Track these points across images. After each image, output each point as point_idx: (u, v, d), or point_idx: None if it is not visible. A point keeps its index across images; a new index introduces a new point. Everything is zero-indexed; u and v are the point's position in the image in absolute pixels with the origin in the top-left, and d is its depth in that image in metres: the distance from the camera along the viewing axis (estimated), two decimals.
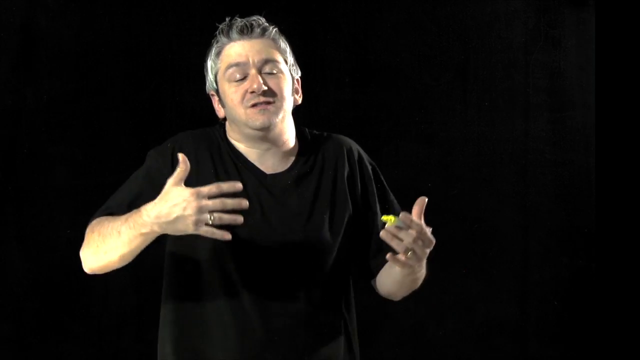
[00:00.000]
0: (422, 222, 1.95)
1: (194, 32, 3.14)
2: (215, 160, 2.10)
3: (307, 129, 2.21)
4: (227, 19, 2.12)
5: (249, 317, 2.04)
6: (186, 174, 1.86)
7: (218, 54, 2.11)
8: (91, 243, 2.04)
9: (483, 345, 3.37)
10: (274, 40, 2.12)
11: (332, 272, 2.10)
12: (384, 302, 3.31)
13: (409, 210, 1.98)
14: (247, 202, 1.85)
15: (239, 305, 2.04)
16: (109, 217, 2.02)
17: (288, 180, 2.10)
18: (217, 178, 2.05)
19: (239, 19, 2.10)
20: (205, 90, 2.19)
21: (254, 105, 2.06)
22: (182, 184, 1.85)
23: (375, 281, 2.19)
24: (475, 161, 3.35)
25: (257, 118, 2.06)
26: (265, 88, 2.06)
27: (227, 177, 2.06)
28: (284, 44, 2.14)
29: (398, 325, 3.31)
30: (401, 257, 1.91)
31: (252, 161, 2.11)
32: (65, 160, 3.07)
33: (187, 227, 1.85)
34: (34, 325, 3.06)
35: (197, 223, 1.84)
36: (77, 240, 3.05)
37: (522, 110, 3.37)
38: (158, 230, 1.89)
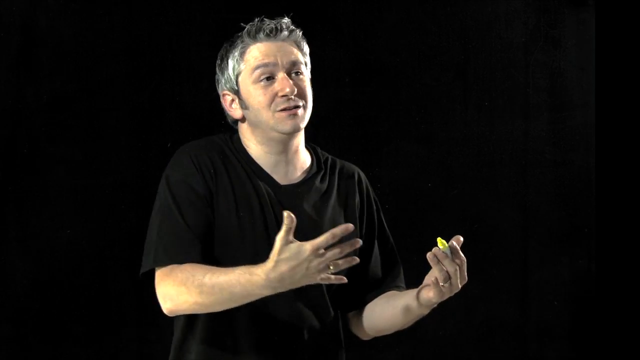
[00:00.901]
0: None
1: (194, 32, 3.14)
2: (230, 170, 2.06)
3: (319, 148, 2.20)
4: (256, 20, 2.08)
5: (247, 333, 2.02)
6: (293, 230, 1.79)
7: (242, 54, 2.07)
8: (188, 297, 1.94)
9: (483, 345, 3.37)
10: (298, 42, 2.10)
11: (336, 293, 2.09)
12: None
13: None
14: (361, 242, 1.80)
15: (241, 320, 2.01)
16: (203, 271, 1.93)
17: (302, 192, 2.08)
18: (233, 189, 2.02)
19: (266, 20, 2.08)
20: (215, 89, 2.16)
21: (283, 110, 2.03)
22: (293, 244, 1.79)
23: (359, 313, 2.17)
24: (475, 161, 3.35)
25: (286, 123, 2.03)
26: (296, 91, 2.03)
27: (242, 188, 2.03)
28: (306, 47, 2.12)
29: None
30: (440, 283, 1.91)
31: (266, 169, 2.08)
32: (65, 160, 3.07)
33: (310, 281, 1.82)
34: (34, 325, 3.05)
35: (316, 278, 1.81)
36: (77, 240, 3.07)
37: (522, 110, 3.37)
38: (282, 290, 1.85)
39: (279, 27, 2.07)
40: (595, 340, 3.15)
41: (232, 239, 2.02)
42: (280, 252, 1.80)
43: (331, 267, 1.79)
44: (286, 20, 2.09)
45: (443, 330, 3.33)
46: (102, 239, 3.07)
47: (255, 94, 2.05)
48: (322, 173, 2.13)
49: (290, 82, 2.03)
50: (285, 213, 1.79)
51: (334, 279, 1.82)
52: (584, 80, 3.36)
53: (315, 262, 1.78)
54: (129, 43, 3.12)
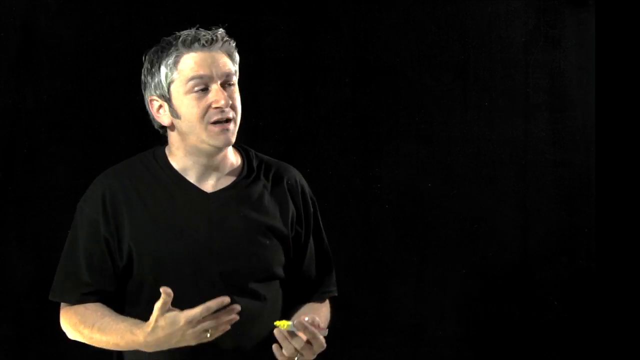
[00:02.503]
0: (318, 327, 1.95)
1: None
2: (144, 196, 2.09)
3: (253, 151, 2.20)
4: (193, 29, 2.07)
5: (193, 345, 2.03)
6: (168, 304, 1.89)
7: (176, 63, 2.06)
8: (82, 339, 2.11)
9: (483, 346, 3.37)
10: (230, 52, 2.09)
11: (277, 295, 2.12)
12: (384, 302, 3.32)
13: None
14: (239, 307, 1.87)
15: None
16: (92, 320, 2.06)
17: (231, 196, 2.09)
18: (150, 214, 2.06)
19: (202, 30, 2.07)
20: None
21: (215, 123, 2.04)
22: (170, 313, 1.89)
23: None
24: (475, 161, 3.35)
25: (218, 137, 2.04)
26: (231, 103, 2.04)
27: (162, 208, 2.06)
28: (237, 57, 2.11)
29: (398, 325, 3.31)
30: (285, 356, 1.95)
31: (192, 179, 2.10)
32: (65, 160, 3.07)
33: (188, 344, 1.91)
34: (34, 325, 3.05)
35: (198, 340, 1.90)
36: None
37: (522, 110, 3.37)
38: (160, 349, 1.95)
39: (214, 38, 2.05)
40: (595, 340, 3.15)
41: (162, 260, 2.05)
42: (157, 319, 1.90)
43: (209, 335, 1.88)
44: (221, 31, 2.08)
45: (443, 330, 3.33)
46: None
47: (189, 104, 2.05)
48: (252, 176, 2.14)
49: (225, 94, 2.04)
50: (162, 289, 1.88)
51: (212, 337, 1.90)
52: (584, 80, 3.36)
53: (190, 331, 1.88)
54: (129, 43, 3.12)
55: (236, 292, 2.04)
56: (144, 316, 1.98)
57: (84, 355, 3.09)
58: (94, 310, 2.07)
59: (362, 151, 3.26)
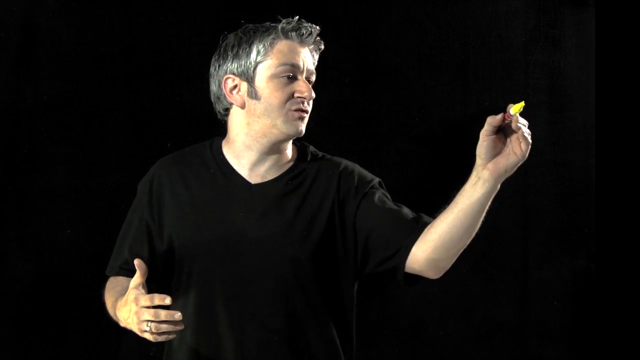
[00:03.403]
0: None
1: (194, 32, 3.14)
2: (190, 183, 2.13)
3: (311, 147, 2.23)
4: (295, 19, 2.13)
5: (222, 333, 2.07)
6: (143, 277, 1.92)
7: (272, 45, 2.10)
8: (109, 310, 2.13)
9: (483, 345, 3.37)
10: (317, 53, 2.17)
11: (312, 289, 2.10)
12: (384, 302, 3.32)
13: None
14: (180, 315, 1.86)
15: (212, 317, 2.07)
16: (112, 291, 2.11)
17: (273, 190, 2.11)
18: (192, 201, 2.10)
19: (303, 22, 2.13)
20: (221, 72, 2.16)
21: (296, 110, 2.09)
22: (137, 289, 1.90)
23: (418, 255, 2.15)
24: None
25: (293, 123, 2.09)
26: (314, 96, 2.11)
27: (202, 197, 2.10)
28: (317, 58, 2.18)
29: (398, 325, 3.31)
30: (520, 148, 2.07)
31: (241, 169, 2.13)
32: (65, 160, 3.07)
33: (136, 331, 1.91)
34: (34, 325, 3.05)
35: (139, 329, 1.89)
36: (77, 240, 3.07)
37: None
38: (125, 326, 1.97)
39: (312, 33, 2.12)
40: (595, 340, 3.15)
41: (197, 247, 2.08)
42: (128, 292, 1.93)
43: (148, 325, 1.87)
44: (318, 28, 2.14)
45: (443, 330, 3.33)
46: (102, 239, 3.07)
47: (274, 87, 2.09)
48: (301, 171, 2.16)
49: (310, 87, 2.10)
50: (136, 262, 1.93)
51: (159, 339, 1.90)
52: (584, 80, 3.36)
53: (134, 310, 1.88)
54: (129, 43, 3.12)
55: (270, 282, 2.06)
56: (180, 302, 2.02)
57: (84, 355, 3.10)
58: (117, 282, 2.13)
59: (362, 151, 3.26)
